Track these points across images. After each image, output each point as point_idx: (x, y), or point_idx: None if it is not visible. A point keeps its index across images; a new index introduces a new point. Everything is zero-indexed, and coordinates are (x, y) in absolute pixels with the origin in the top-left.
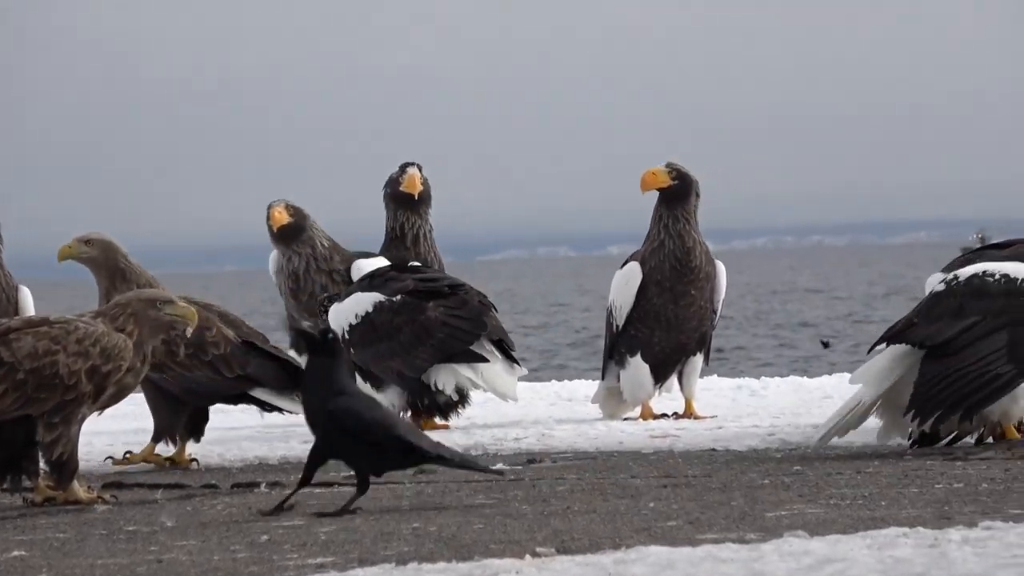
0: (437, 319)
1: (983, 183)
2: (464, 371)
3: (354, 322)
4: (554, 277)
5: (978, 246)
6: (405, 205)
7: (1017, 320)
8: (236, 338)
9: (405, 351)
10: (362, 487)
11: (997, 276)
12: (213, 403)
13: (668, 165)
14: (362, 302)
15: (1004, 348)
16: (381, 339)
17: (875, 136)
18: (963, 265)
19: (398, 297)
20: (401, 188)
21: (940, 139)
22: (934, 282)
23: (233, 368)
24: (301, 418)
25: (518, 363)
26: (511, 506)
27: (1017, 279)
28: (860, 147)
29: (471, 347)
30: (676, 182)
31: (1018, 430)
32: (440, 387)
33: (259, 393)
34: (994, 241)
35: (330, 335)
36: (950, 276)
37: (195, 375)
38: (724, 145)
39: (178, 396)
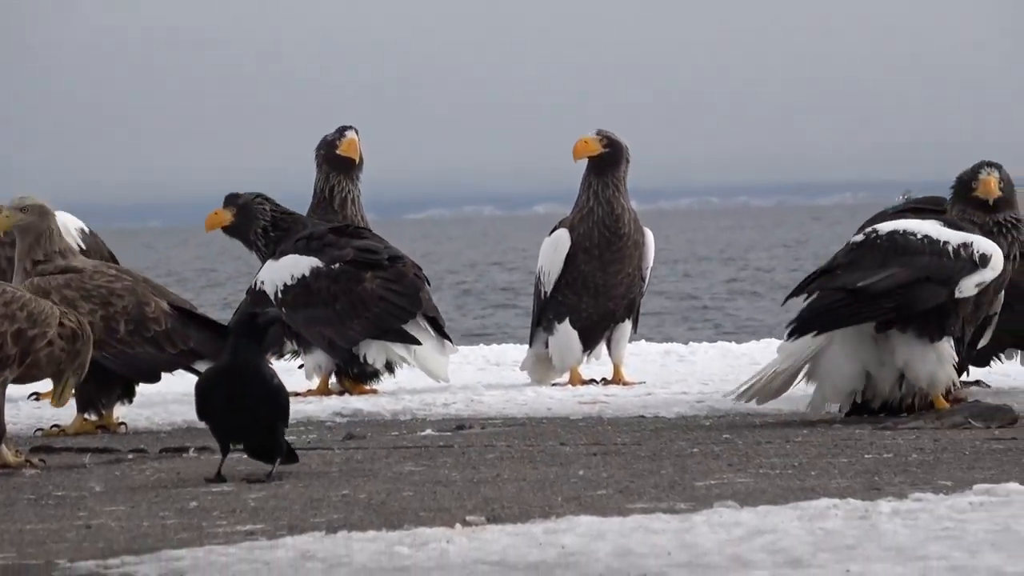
0: (374, 292)
1: (909, 145)
2: (397, 349)
3: (289, 283)
4: (479, 236)
5: (903, 204)
6: (339, 168)
7: (936, 277)
8: (173, 310)
9: (340, 320)
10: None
11: (919, 235)
12: (156, 380)
13: (599, 133)
14: (299, 265)
15: (903, 291)
16: (316, 305)
17: (801, 98)
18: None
19: (336, 265)
20: (339, 152)
21: (866, 101)
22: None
23: (176, 343)
24: None
25: (450, 340)
26: (440, 473)
27: (939, 239)
28: (787, 109)
29: (405, 326)
30: (607, 149)
31: (947, 399)
32: (370, 361)
33: (201, 367)
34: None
35: (269, 322)
36: (869, 230)
37: (136, 352)
38: (650, 104)
39: (118, 373)
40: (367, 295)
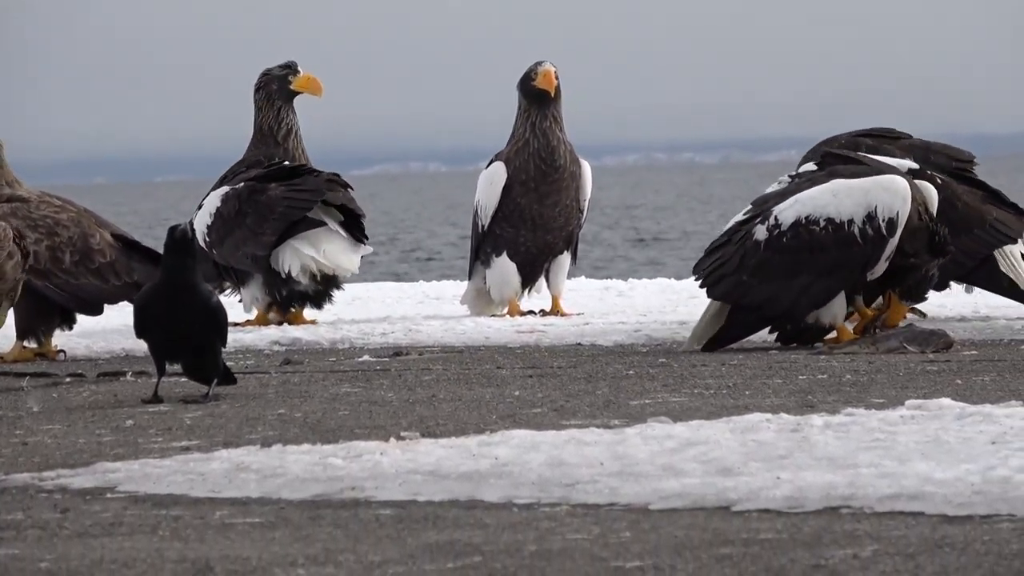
0: (278, 196)
1: (854, 100)
2: (306, 249)
3: (210, 222)
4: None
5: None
6: (288, 102)
7: (848, 268)
8: (117, 242)
9: (253, 233)
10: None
11: (822, 224)
12: (99, 312)
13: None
14: (212, 200)
15: (820, 300)
16: (232, 229)
17: (747, 53)
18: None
19: (241, 185)
20: (293, 87)
21: (811, 56)
22: (807, 168)
23: (120, 275)
24: None
25: (365, 239)
26: (376, 394)
27: (843, 222)
28: (732, 64)
29: (311, 215)
30: (558, 81)
31: (874, 327)
32: (288, 270)
33: None
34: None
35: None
36: (771, 222)
37: (81, 283)
38: (596, 59)
39: (62, 304)
40: (272, 201)
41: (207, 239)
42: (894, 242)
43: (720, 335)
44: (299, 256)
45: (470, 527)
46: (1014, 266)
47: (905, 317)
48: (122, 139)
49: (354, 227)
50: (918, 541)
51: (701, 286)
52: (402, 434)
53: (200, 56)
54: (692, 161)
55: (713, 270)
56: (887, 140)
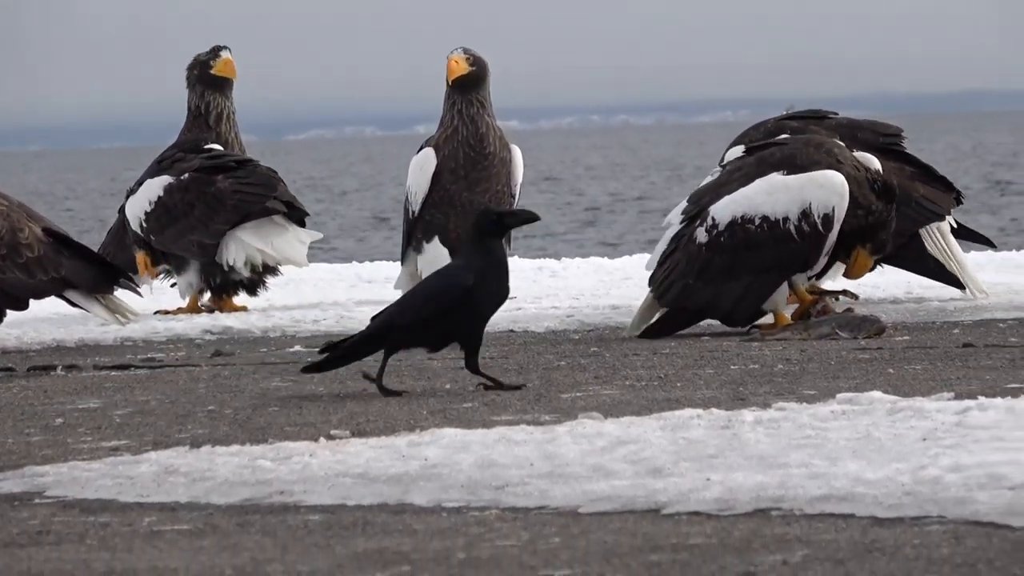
0: (228, 188)
1: (791, 62)
2: (253, 241)
3: (149, 209)
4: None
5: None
6: (213, 87)
7: (785, 265)
8: (47, 237)
9: (202, 224)
10: None
11: (757, 222)
12: (24, 307)
13: (464, 52)
14: (153, 188)
15: (759, 299)
16: (177, 219)
17: (682, 15)
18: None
19: (186, 176)
20: (213, 72)
21: (748, 18)
22: (735, 153)
23: (48, 270)
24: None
25: (303, 223)
26: (307, 388)
27: (778, 220)
28: (667, 26)
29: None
30: (473, 68)
31: (815, 311)
32: (231, 261)
33: (71, 295)
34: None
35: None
36: (709, 223)
37: (8, 277)
38: (531, 21)
39: None
40: (222, 193)
41: (143, 225)
42: (832, 237)
43: (660, 326)
44: (245, 248)
45: (399, 533)
46: (942, 247)
47: (837, 299)
48: (57, 107)
49: (297, 220)
50: (848, 546)
51: (656, 298)
52: (332, 433)
53: (133, 21)
54: (627, 123)
55: (664, 278)
56: (812, 121)
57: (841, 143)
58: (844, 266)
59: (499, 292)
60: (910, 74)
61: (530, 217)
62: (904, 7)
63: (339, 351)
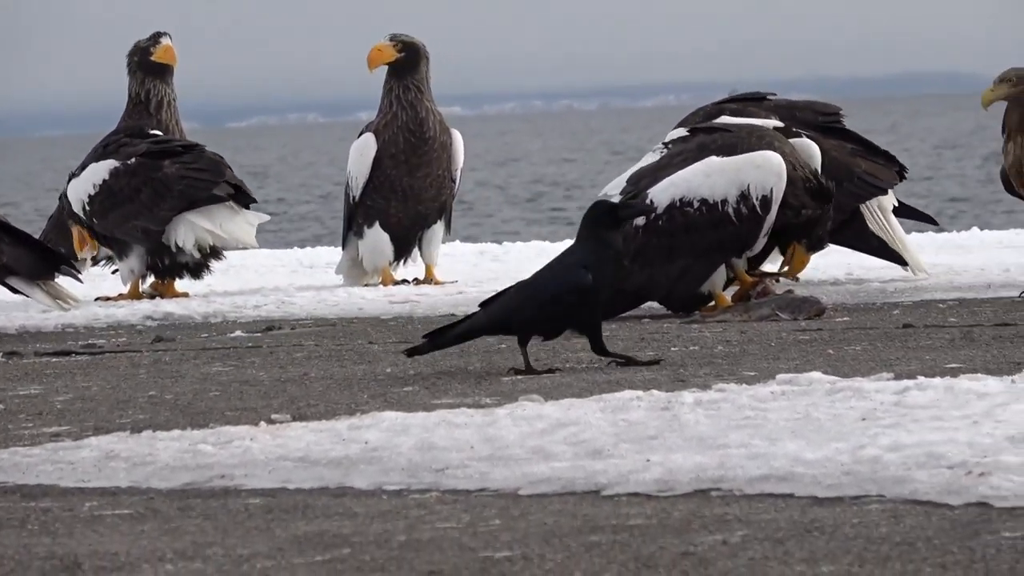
0: (175, 173)
1: (735, 46)
2: (203, 223)
3: (93, 192)
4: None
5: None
6: (154, 73)
7: (726, 248)
8: None
9: (148, 209)
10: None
11: (696, 204)
12: None
13: (392, 38)
14: (98, 171)
15: (698, 280)
16: (122, 203)
17: (625, 0)
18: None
19: (132, 160)
20: (153, 59)
21: (691, 2)
22: (676, 134)
23: None
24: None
25: (249, 206)
26: (248, 373)
27: (716, 202)
28: (610, 10)
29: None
30: (403, 54)
31: (755, 293)
32: (180, 243)
33: (12, 281)
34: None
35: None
36: (647, 202)
37: None
38: (469, 7)
39: None
40: (169, 178)
41: (86, 208)
42: (770, 219)
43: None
44: (194, 230)
45: (339, 516)
46: (883, 224)
47: (777, 281)
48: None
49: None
50: (787, 525)
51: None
52: (272, 417)
53: (69, 6)
54: (570, 108)
55: None
56: (751, 103)
57: (783, 137)
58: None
59: (614, 281)
60: (852, 57)
61: (645, 209)
62: None
63: (444, 338)
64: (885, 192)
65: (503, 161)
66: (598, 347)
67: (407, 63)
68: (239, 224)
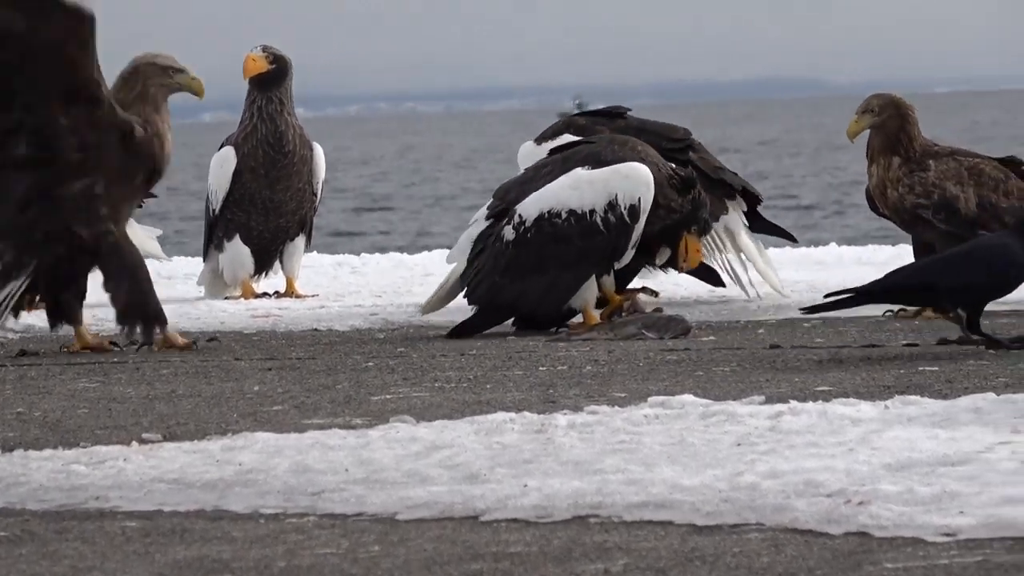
0: None
1: (580, 49)
2: None
3: None
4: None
5: (576, 112)
6: None
7: (594, 259)
8: None
9: None
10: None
11: (564, 216)
12: None
13: (264, 49)
14: None
15: (568, 292)
16: None
17: (468, 3)
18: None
19: None
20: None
21: (535, 5)
22: (526, 150)
23: None
24: None
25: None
26: (116, 389)
27: (584, 213)
28: (453, 13)
29: None
30: (273, 66)
31: (623, 311)
32: None
33: None
34: (591, 108)
35: None
36: (516, 220)
37: None
38: (313, 8)
39: None
40: None
41: None
42: (639, 229)
43: (471, 324)
44: None
45: (218, 541)
46: (712, 249)
47: (637, 295)
48: None
49: None
50: (668, 554)
51: (465, 296)
52: (144, 436)
53: None
54: (414, 111)
55: (473, 277)
56: (600, 121)
57: (642, 141)
58: (651, 269)
59: None
60: (700, 61)
61: None
62: None
63: (849, 300)
64: (708, 230)
65: (343, 168)
66: (975, 324)
67: (275, 76)
68: (144, 239)
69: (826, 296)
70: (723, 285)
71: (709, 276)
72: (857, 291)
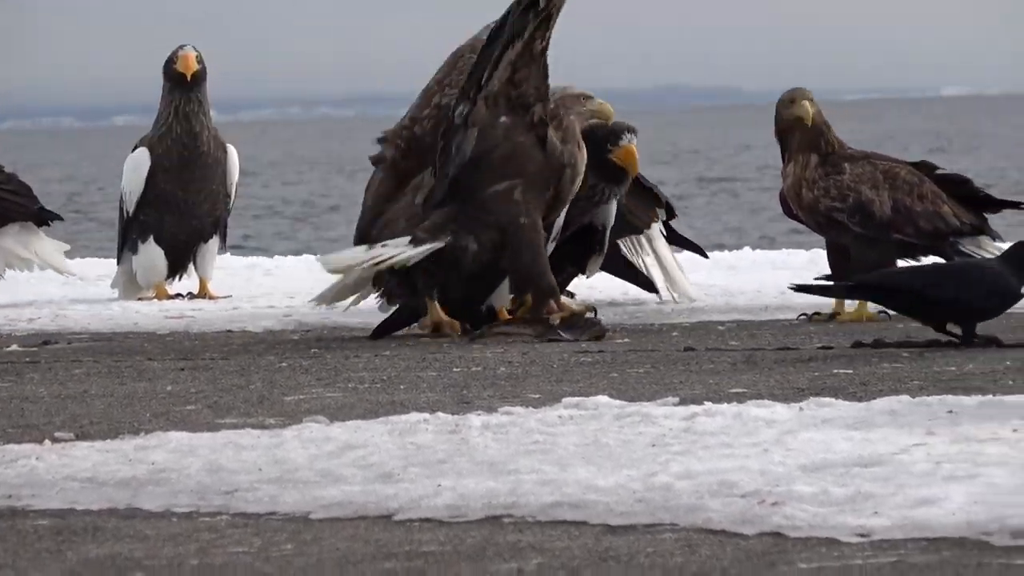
0: None
1: None
2: (19, 251)
3: None
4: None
5: None
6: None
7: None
8: None
9: None
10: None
11: None
12: None
13: (194, 49)
14: None
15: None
16: None
17: (380, 6)
18: None
19: None
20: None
21: (445, 9)
22: None
23: None
24: None
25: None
26: (27, 389)
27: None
28: (365, 15)
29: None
30: (200, 66)
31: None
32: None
33: None
34: None
35: None
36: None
37: None
38: (228, 12)
39: None
40: None
41: None
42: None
43: (388, 323)
44: (5, 255)
45: (130, 539)
46: (647, 251)
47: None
48: None
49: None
50: (582, 554)
51: (382, 296)
52: (56, 435)
53: None
54: (327, 116)
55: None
56: None
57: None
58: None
59: None
60: (607, 70)
61: None
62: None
63: (833, 289)
64: (640, 232)
65: (256, 171)
66: (968, 335)
67: (198, 77)
68: (52, 251)
69: (816, 278)
70: (657, 292)
71: (644, 282)
72: (856, 282)
